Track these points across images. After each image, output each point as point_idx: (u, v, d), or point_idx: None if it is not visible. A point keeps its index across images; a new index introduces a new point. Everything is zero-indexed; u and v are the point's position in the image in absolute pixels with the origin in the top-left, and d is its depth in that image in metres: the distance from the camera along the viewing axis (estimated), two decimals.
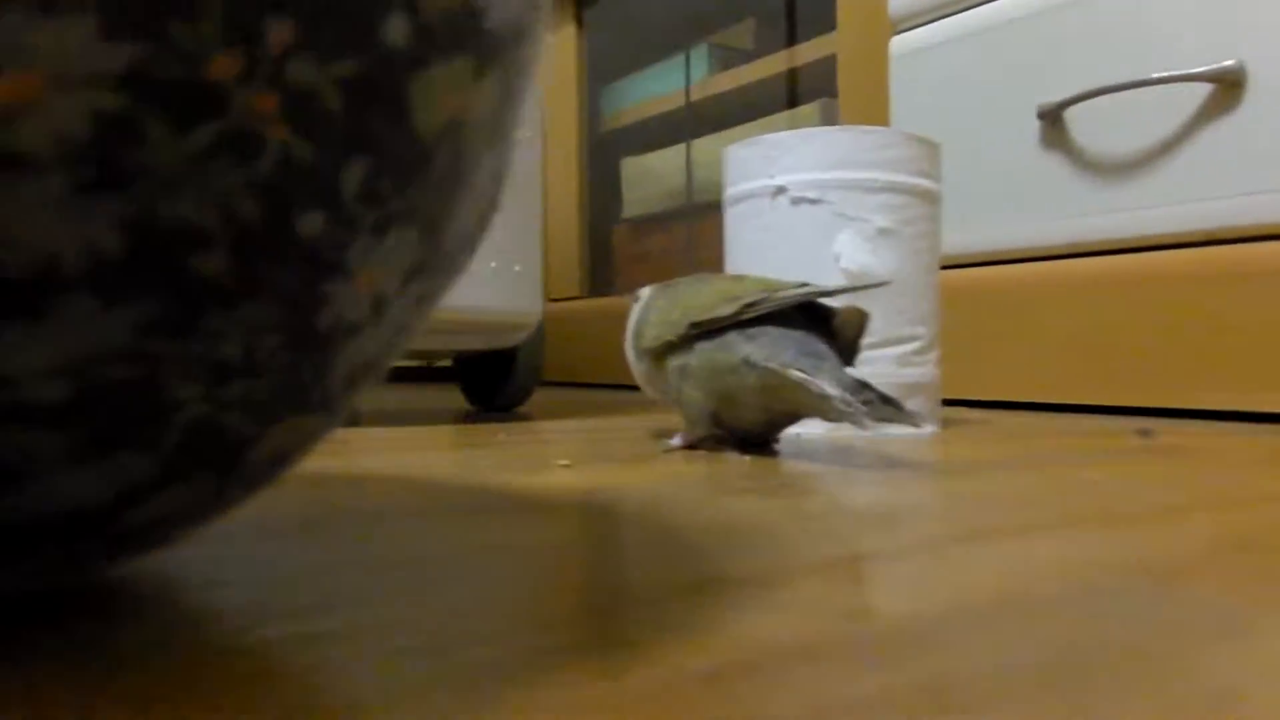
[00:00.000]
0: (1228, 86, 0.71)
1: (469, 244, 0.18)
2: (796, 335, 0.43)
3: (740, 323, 0.44)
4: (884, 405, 0.40)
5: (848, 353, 0.45)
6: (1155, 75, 0.74)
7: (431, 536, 0.24)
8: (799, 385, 0.40)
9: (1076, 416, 0.73)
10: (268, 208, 0.13)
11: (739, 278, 0.48)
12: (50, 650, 0.15)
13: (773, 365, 0.41)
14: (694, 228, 1.33)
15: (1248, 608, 0.18)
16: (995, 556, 0.22)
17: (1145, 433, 0.58)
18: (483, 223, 0.18)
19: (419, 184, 0.15)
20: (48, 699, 0.13)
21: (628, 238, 1.46)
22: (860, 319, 0.45)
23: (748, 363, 0.42)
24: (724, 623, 0.17)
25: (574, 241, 1.54)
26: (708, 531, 0.25)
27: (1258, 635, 0.16)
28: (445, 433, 0.58)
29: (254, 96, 0.12)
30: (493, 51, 0.15)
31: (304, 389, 0.15)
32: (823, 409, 0.40)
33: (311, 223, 0.13)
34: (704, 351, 0.45)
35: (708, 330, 0.45)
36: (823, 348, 0.42)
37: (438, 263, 0.16)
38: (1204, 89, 0.73)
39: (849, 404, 0.39)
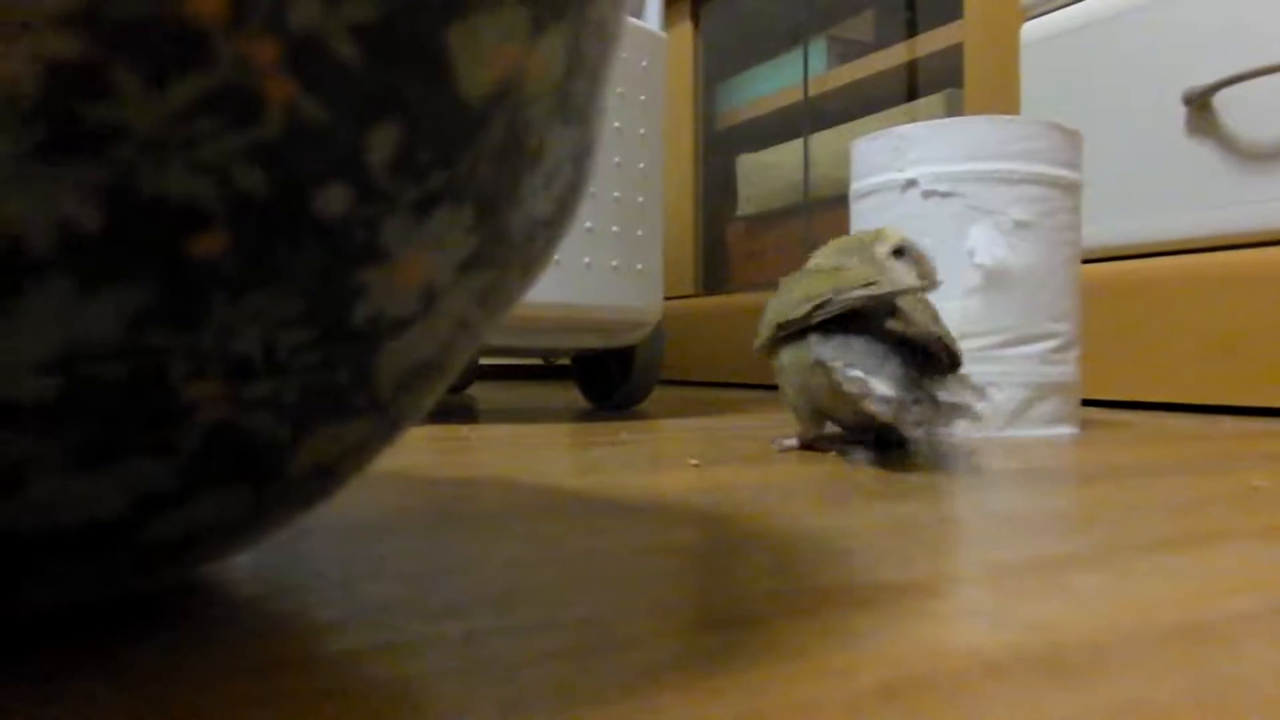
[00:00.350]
0: None
1: (544, 232, 0.16)
2: (867, 337, 0.41)
3: (823, 322, 0.42)
4: (934, 408, 0.38)
5: (937, 353, 0.42)
6: None
7: (562, 538, 0.24)
8: (849, 383, 0.39)
9: (1220, 417, 0.69)
10: (275, 180, 0.11)
11: (835, 270, 0.46)
12: (129, 661, 0.15)
13: (835, 364, 0.40)
14: (810, 224, 1.31)
15: None
16: (1176, 569, 0.21)
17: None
18: (562, 209, 0.16)
19: (468, 156, 0.13)
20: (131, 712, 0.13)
21: (743, 235, 1.44)
22: (926, 313, 0.43)
23: (820, 363, 0.41)
24: (891, 633, 0.16)
25: (689, 239, 1.54)
26: (850, 535, 0.24)
27: None
28: (565, 431, 0.59)
29: (248, 44, 0.10)
30: (552, 3, 0.13)
31: (343, 391, 0.14)
32: (871, 410, 0.39)
33: (332, 199, 0.11)
34: (790, 351, 0.44)
35: (794, 330, 0.44)
36: (886, 348, 0.41)
37: (501, 252, 0.15)
38: None
39: (893, 404, 0.37)
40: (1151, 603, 0.18)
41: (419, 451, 0.45)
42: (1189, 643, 0.15)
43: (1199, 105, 0.78)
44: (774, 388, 1.28)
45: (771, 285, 1.36)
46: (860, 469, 0.39)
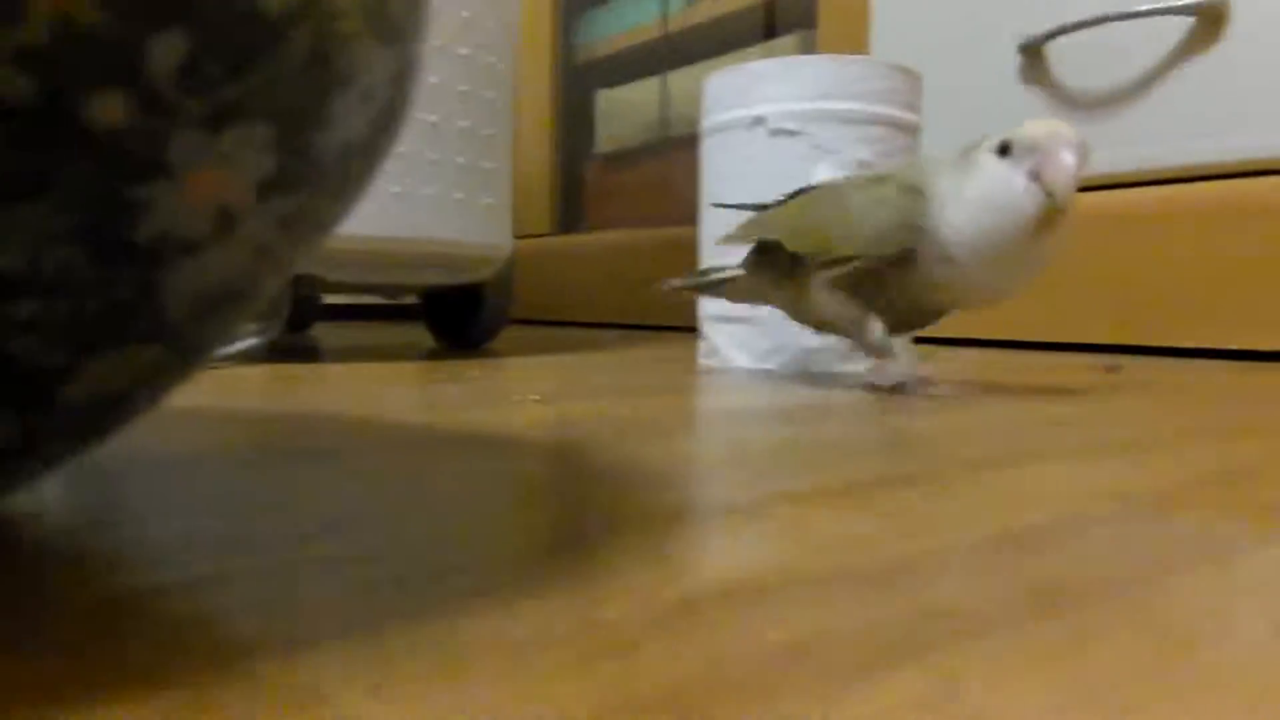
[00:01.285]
0: (1209, 20, 0.70)
1: (360, 157, 0.15)
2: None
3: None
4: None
5: None
6: (1136, 9, 0.73)
7: (391, 470, 0.23)
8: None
9: (1045, 354, 0.73)
10: (43, 86, 0.10)
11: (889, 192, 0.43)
12: None
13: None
14: (669, 162, 1.31)
15: (1229, 535, 0.17)
16: (988, 486, 0.22)
17: (1113, 368, 0.58)
18: (380, 133, 0.16)
19: (265, 71, 0.12)
20: None
21: (602, 173, 1.43)
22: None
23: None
24: (703, 551, 0.16)
25: (545, 176, 1.51)
26: (687, 462, 0.24)
27: (1239, 561, 0.16)
28: (411, 369, 0.57)
29: None
30: None
31: (126, 314, 0.13)
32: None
33: (107, 108, 0.11)
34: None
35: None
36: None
37: (308, 174, 0.14)
38: (1185, 22, 0.72)
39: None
40: (963, 516, 0.19)
41: (252, 391, 0.42)
42: (988, 554, 0.16)
43: (1033, 54, 0.81)
44: (629, 326, 1.29)
45: (629, 224, 1.36)
46: (732, 394, 0.40)
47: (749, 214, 0.58)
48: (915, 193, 0.41)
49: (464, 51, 0.62)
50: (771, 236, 0.46)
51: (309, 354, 0.69)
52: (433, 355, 0.69)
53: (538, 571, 0.15)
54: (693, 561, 0.15)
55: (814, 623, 0.12)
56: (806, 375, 0.53)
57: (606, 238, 1.34)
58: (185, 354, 0.15)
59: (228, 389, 0.42)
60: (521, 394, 0.41)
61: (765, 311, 0.58)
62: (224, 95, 0.12)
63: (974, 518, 0.19)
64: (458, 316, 0.77)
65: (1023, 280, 0.41)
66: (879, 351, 0.44)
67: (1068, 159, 0.36)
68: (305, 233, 0.15)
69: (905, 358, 0.44)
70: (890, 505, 0.20)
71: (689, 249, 1.13)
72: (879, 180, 0.44)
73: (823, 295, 0.45)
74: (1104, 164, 0.77)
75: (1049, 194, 0.37)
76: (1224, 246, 0.69)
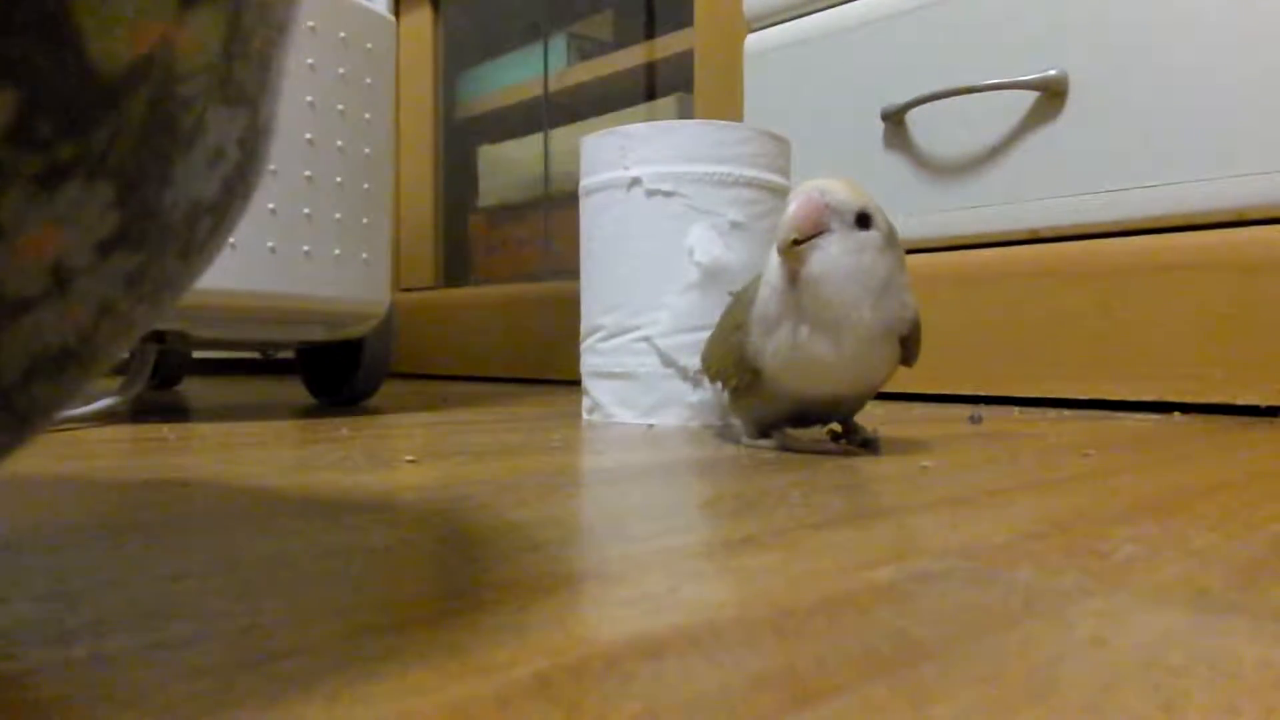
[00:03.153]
0: (1051, 94, 0.76)
1: (211, 215, 0.15)
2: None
3: None
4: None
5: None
6: (986, 82, 0.78)
7: (239, 542, 0.23)
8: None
9: (912, 404, 0.76)
10: None
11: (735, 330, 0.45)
12: None
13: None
14: (551, 218, 1.32)
15: (1064, 587, 0.19)
16: (838, 544, 0.22)
17: (976, 419, 0.61)
18: (230, 192, 0.16)
19: (104, 130, 0.12)
20: None
21: (485, 227, 1.43)
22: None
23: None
24: (558, 623, 0.16)
25: (428, 230, 1.50)
26: (550, 526, 0.25)
27: (1069, 615, 0.17)
28: (284, 428, 0.55)
29: None
30: None
31: None
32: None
33: None
34: None
35: None
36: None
37: (153, 233, 0.14)
38: (1030, 96, 0.77)
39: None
40: (808, 577, 0.19)
41: (106, 454, 0.40)
42: (830, 614, 0.17)
43: (895, 121, 0.86)
44: (514, 380, 1.28)
45: (512, 278, 1.36)
46: (613, 456, 0.40)
47: (627, 280, 0.59)
48: (741, 320, 0.44)
49: (340, 107, 0.61)
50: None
51: (176, 412, 0.66)
52: (308, 413, 0.67)
53: (376, 652, 0.14)
54: (547, 635, 0.15)
55: (654, 697, 0.13)
56: (687, 431, 0.54)
57: (490, 291, 1.34)
58: (19, 417, 0.14)
59: (79, 452, 0.40)
60: (396, 454, 0.41)
61: (646, 367, 0.59)
62: (58, 154, 0.12)
63: (821, 578, 0.19)
64: (335, 372, 0.76)
65: (835, 340, 0.40)
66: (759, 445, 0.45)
67: (789, 210, 0.39)
68: (153, 291, 0.15)
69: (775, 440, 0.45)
70: (746, 565, 0.20)
71: (573, 303, 1.13)
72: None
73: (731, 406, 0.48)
74: (961, 226, 0.82)
75: (780, 243, 0.39)
76: (1070, 303, 0.74)
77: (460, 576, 0.19)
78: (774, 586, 0.19)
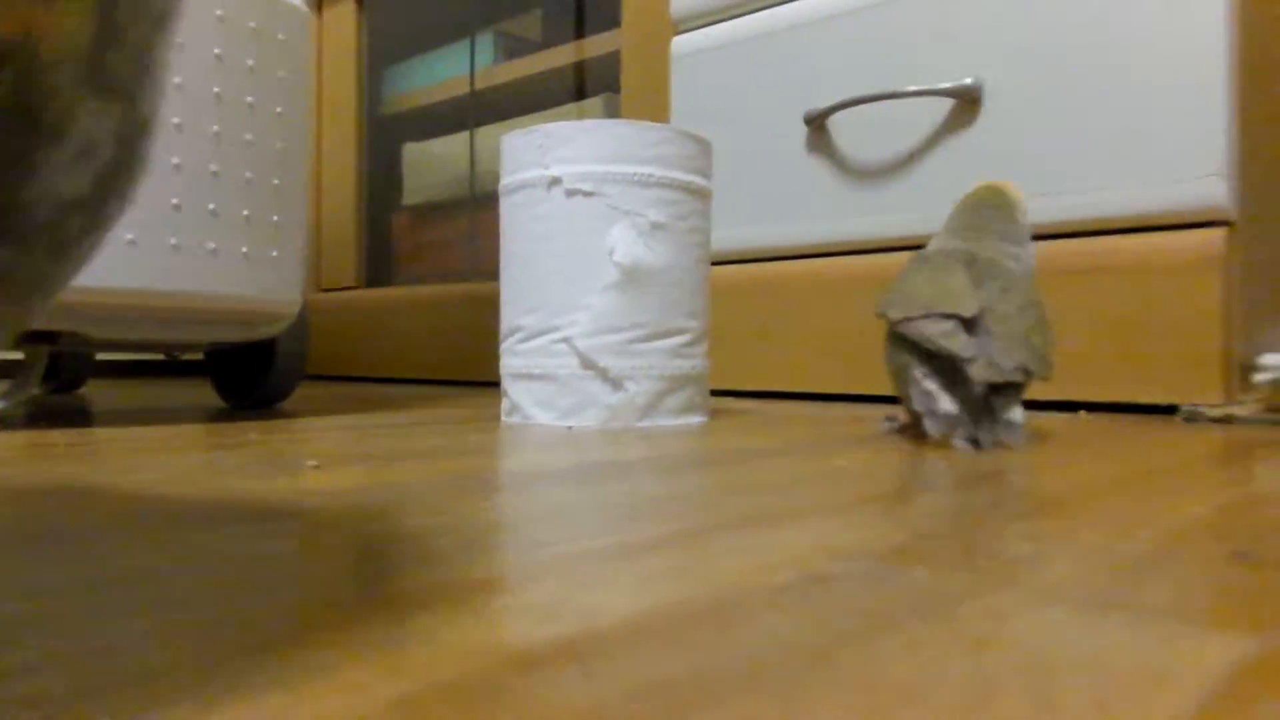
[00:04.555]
0: (967, 102, 0.77)
1: (82, 214, 0.15)
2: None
3: None
4: (992, 426, 0.45)
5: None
6: (906, 89, 0.79)
7: (120, 554, 0.22)
8: (920, 397, 0.47)
9: (832, 404, 0.77)
10: None
11: (942, 274, 0.48)
12: None
13: (915, 372, 0.48)
14: (477, 218, 1.30)
15: (950, 588, 0.19)
16: (743, 547, 0.22)
17: (891, 419, 0.62)
18: (105, 190, 0.15)
19: None
20: None
21: (409, 226, 1.41)
22: (1015, 335, 0.46)
23: (902, 366, 0.49)
24: (436, 636, 0.15)
25: (350, 229, 1.47)
26: (447, 533, 0.24)
27: (956, 616, 0.17)
28: (189, 433, 0.53)
29: None
30: None
31: None
32: (926, 426, 0.46)
33: None
34: (892, 337, 0.51)
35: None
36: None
37: (16, 230, 0.13)
38: (947, 103, 0.79)
39: (947, 421, 0.45)
40: (706, 581, 0.19)
41: None
42: (719, 620, 0.16)
43: (817, 126, 0.87)
44: (436, 382, 1.26)
45: (437, 279, 1.34)
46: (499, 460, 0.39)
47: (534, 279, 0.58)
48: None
49: (249, 100, 0.59)
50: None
51: (76, 417, 0.63)
52: (217, 417, 0.64)
53: (231, 676, 0.14)
54: (421, 650, 0.15)
55: (523, 713, 0.12)
56: (606, 433, 0.54)
57: (413, 292, 1.32)
58: None
59: None
60: (301, 460, 0.39)
61: (566, 368, 0.58)
62: None
63: (717, 583, 0.19)
64: (247, 375, 0.73)
65: None
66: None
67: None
68: (19, 291, 0.14)
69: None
70: (644, 571, 0.20)
71: (497, 304, 1.12)
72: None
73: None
74: (880, 230, 0.83)
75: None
76: None
77: (342, 590, 0.19)
78: (669, 592, 0.18)
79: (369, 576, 0.20)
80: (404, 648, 0.15)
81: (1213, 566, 0.21)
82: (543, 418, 0.59)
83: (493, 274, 1.27)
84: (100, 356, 1.47)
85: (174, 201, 0.55)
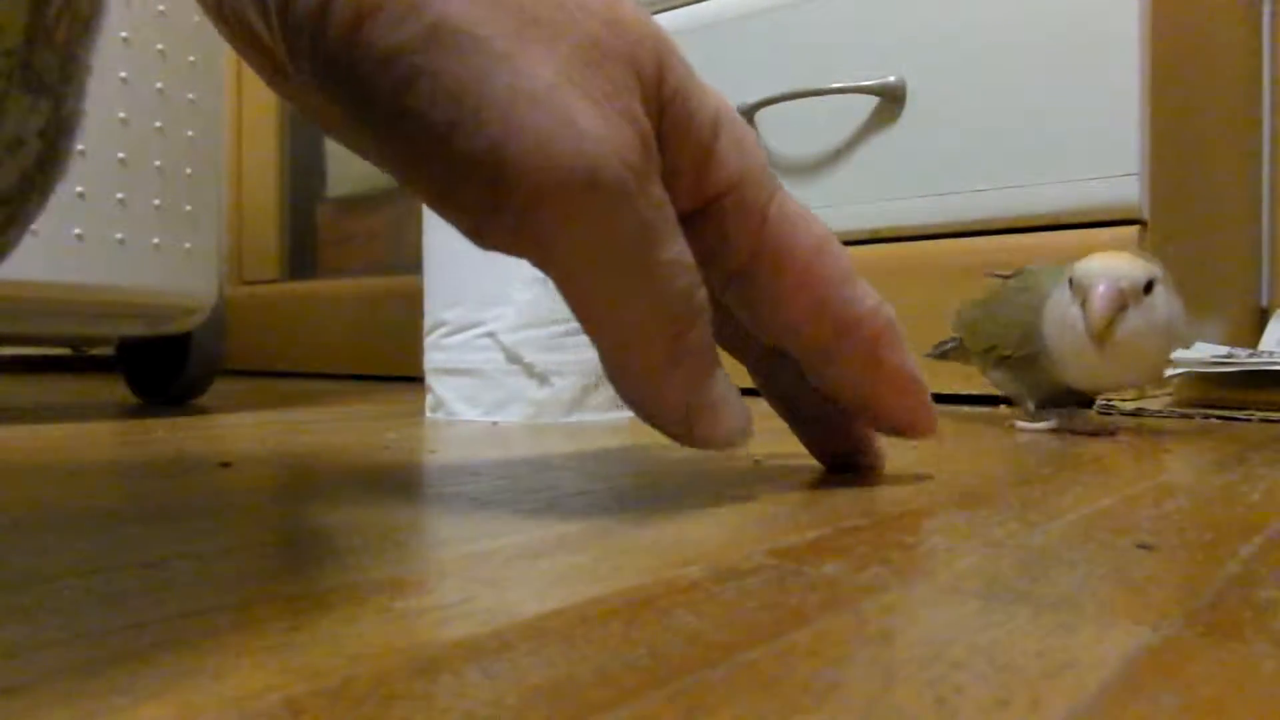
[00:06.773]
0: (891, 99, 0.79)
1: (3, 205, 0.14)
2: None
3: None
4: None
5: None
6: (831, 85, 0.80)
7: (5, 558, 0.20)
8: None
9: (755, 399, 0.78)
10: None
11: (1017, 315, 0.51)
12: None
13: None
14: (403, 209, 1.28)
15: (860, 582, 0.19)
16: (653, 542, 0.22)
17: None
18: (29, 184, 0.15)
19: None
20: None
21: (333, 218, 1.38)
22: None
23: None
24: (331, 639, 0.15)
25: (272, 220, 1.43)
26: (361, 531, 0.23)
27: (863, 610, 0.17)
28: (96, 431, 0.51)
29: None
30: None
31: None
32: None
33: None
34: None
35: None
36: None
37: None
38: (872, 100, 0.80)
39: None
40: (616, 578, 0.19)
41: None
42: (628, 616, 0.16)
43: (746, 120, 0.87)
44: (364, 377, 1.24)
45: (363, 271, 1.31)
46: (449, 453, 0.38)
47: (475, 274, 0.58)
48: (1034, 309, 0.50)
49: (159, 85, 0.57)
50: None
51: None
52: (127, 414, 0.62)
53: (105, 686, 0.13)
54: (314, 654, 0.14)
55: (413, 718, 0.12)
56: (531, 428, 0.53)
57: (338, 285, 1.29)
58: None
59: None
60: (210, 458, 0.38)
61: (491, 363, 0.57)
62: None
63: (628, 580, 0.19)
64: (160, 370, 0.71)
65: (1131, 372, 0.47)
66: (1031, 418, 0.52)
67: (1096, 300, 0.44)
68: None
69: (1056, 421, 0.50)
70: (553, 568, 0.19)
71: (421, 298, 1.10)
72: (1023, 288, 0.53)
73: (993, 374, 0.55)
74: None
75: (1089, 323, 0.45)
76: (907, 301, 0.77)
77: (236, 592, 0.18)
78: (577, 590, 0.18)
79: (270, 577, 0.19)
80: (297, 651, 0.14)
81: (1116, 557, 0.21)
82: (467, 413, 0.58)
83: (418, 267, 1.25)
84: (2, 351, 1.41)
85: (79, 190, 0.53)
